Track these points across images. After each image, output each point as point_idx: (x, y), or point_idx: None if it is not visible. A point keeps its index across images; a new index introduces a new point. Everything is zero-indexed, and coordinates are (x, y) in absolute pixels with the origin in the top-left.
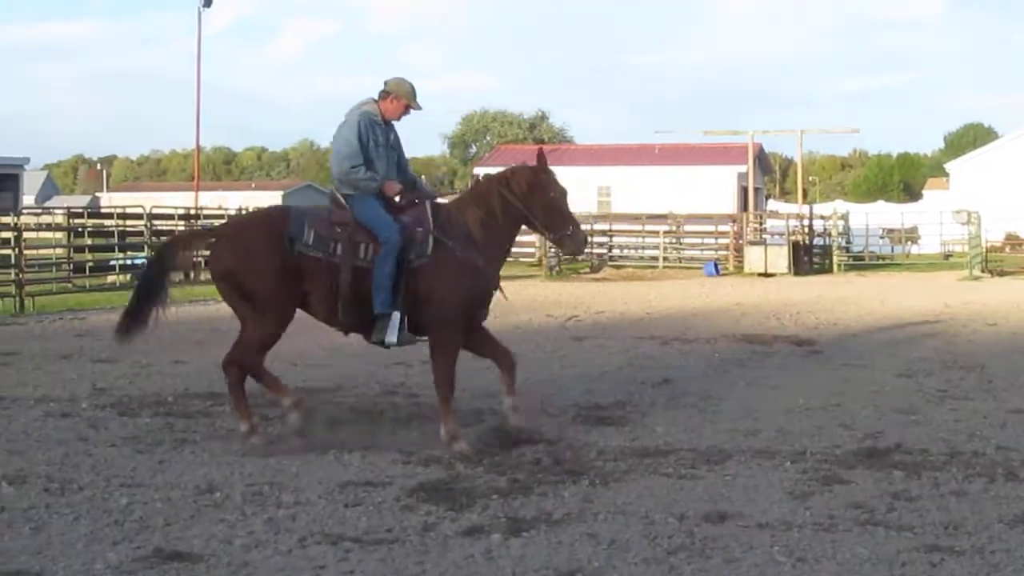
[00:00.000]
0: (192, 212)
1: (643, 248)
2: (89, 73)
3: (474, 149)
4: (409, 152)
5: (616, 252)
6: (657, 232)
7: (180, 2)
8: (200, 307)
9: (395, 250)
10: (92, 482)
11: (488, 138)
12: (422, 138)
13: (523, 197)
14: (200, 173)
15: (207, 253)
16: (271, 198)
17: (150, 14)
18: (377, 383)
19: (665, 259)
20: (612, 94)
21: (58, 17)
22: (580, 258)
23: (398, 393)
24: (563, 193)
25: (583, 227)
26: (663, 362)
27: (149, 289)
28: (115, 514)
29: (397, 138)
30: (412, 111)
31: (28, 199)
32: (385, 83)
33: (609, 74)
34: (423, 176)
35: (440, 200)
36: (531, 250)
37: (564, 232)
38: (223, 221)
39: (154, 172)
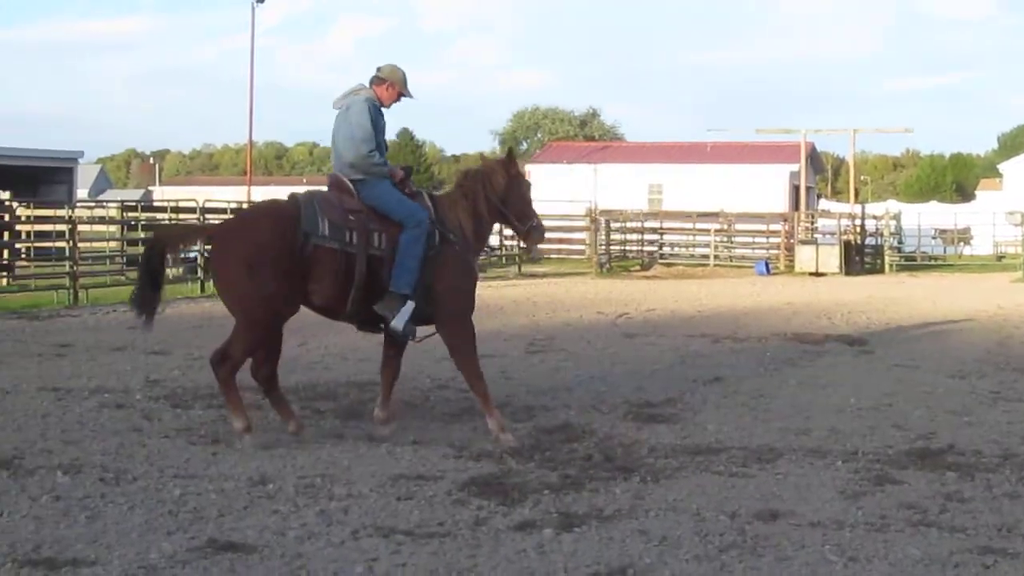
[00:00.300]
0: (244, 206)
1: (694, 246)
2: (143, 68)
3: (525, 146)
4: (460, 148)
5: (667, 250)
6: (708, 230)
7: None
8: None
9: (425, 233)
10: (146, 472)
11: (539, 135)
12: (472, 134)
13: (502, 194)
14: (252, 167)
15: (208, 249)
16: None
17: (204, 10)
18: (428, 377)
19: (716, 257)
20: (664, 92)
21: (113, 13)
22: (630, 256)
23: (449, 387)
24: (529, 185)
25: (635, 224)
26: (714, 360)
27: (149, 283)
28: (169, 504)
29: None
30: (403, 99)
31: (81, 192)
32: (379, 69)
33: (661, 72)
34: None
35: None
36: (581, 247)
37: (531, 223)
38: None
39: (206, 166)
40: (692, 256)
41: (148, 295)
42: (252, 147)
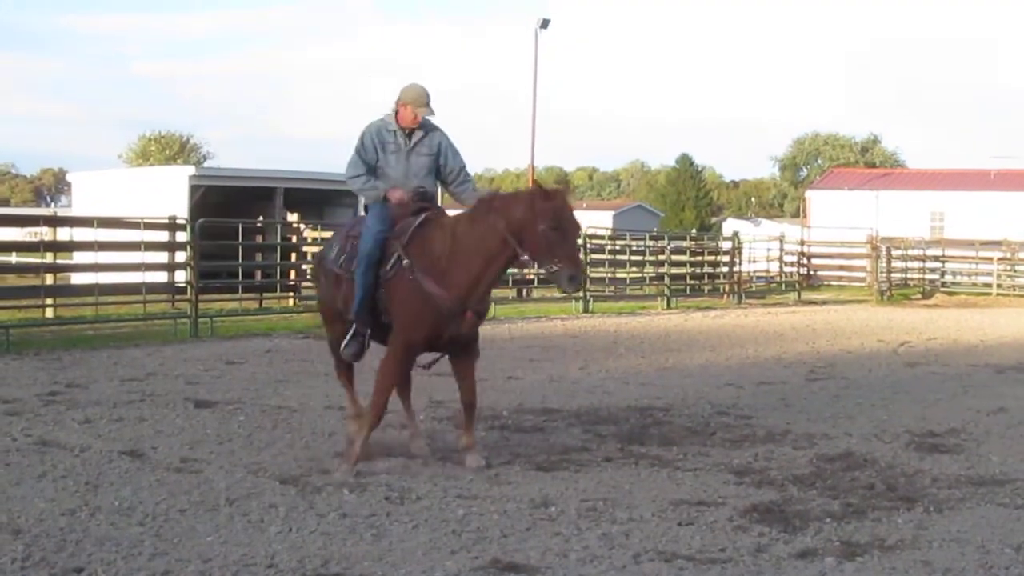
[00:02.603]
0: None
1: (976, 275)
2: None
3: (805, 172)
4: (739, 174)
5: (948, 278)
6: (991, 259)
7: (518, 22)
8: (532, 324)
9: (365, 260)
10: (430, 492)
11: (819, 161)
12: (752, 159)
13: (516, 227)
14: None
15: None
16: (602, 218)
17: (486, 34)
18: (709, 403)
19: (999, 287)
20: (946, 118)
21: (398, 36)
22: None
23: (730, 414)
24: (555, 226)
25: (916, 251)
26: (998, 390)
27: None
28: (452, 524)
29: (431, 143)
30: (424, 116)
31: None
32: (400, 90)
33: (943, 98)
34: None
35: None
36: (861, 275)
37: (552, 268)
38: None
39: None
40: (974, 285)
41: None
42: (533, 171)
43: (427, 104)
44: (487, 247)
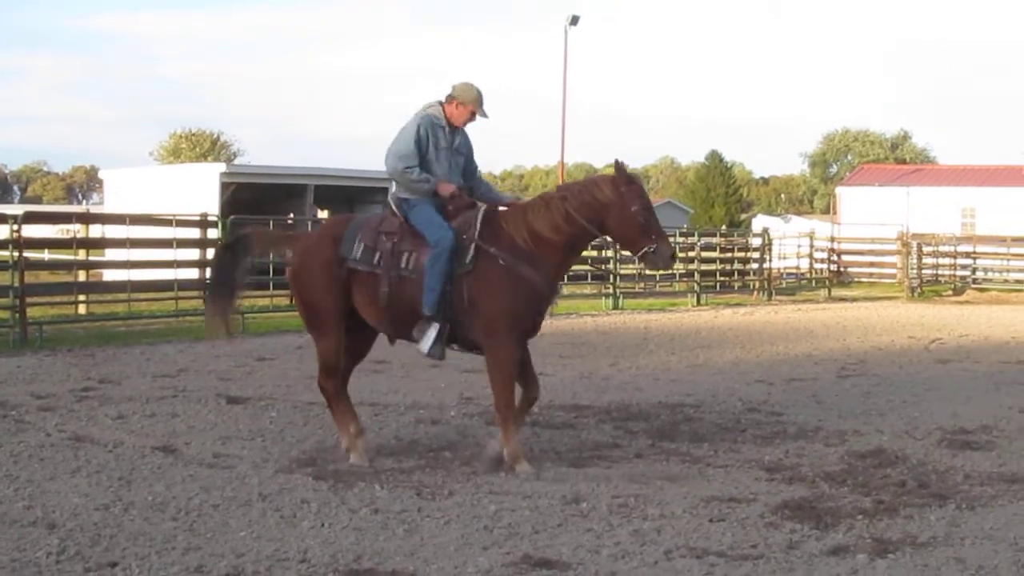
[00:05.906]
0: None
1: (1008, 271)
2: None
3: (835, 168)
4: (769, 170)
5: (979, 275)
6: (1023, 255)
7: (549, 19)
8: (562, 320)
9: (446, 252)
10: (462, 488)
11: (849, 157)
12: (782, 156)
13: (596, 212)
14: None
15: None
16: None
17: (517, 31)
18: (740, 400)
19: None
20: (976, 114)
21: (430, 36)
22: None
23: (760, 411)
24: (643, 207)
25: (947, 248)
26: None
27: (224, 277)
28: (484, 520)
29: (465, 143)
30: (478, 118)
31: None
32: (452, 87)
33: (973, 94)
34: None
35: (501, 207)
36: (892, 271)
37: (646, 248)
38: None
39: (516, 187)
40: (1006, 281)
41: (222, 294)
42: (563, 168)
43: (482, 106)
44: (569, 232)
